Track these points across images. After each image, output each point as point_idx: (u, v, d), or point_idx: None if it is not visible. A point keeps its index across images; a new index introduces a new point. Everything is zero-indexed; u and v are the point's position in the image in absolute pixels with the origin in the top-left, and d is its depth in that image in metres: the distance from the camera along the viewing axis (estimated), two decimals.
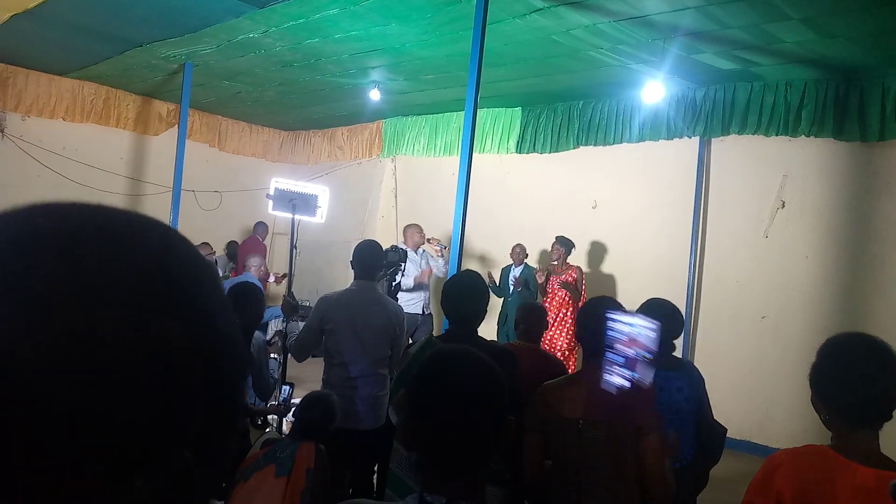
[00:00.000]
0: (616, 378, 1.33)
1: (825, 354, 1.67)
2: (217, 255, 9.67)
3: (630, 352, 1.32)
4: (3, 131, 9.20)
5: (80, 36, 7.30)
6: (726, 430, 3.24)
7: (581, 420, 2.26)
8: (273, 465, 2.93)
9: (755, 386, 6.45)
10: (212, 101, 10.12)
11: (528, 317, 3.43)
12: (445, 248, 6.82)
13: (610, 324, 1.34)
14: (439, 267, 7.13)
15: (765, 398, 6.32)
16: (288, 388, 3.94)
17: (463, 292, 2.70)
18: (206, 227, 10.38)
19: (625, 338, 1.32)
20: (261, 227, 9.79)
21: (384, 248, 4.52)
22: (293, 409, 3.86)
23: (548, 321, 3.57)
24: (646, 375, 1.36)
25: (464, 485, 1.16)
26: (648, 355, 1.31)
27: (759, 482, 1.67)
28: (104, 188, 9.93)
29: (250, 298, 3.48)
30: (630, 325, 1.31)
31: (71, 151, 9.65)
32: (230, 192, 11.19)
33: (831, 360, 1.65)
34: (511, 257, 7.57)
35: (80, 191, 9.57)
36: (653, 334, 1.31)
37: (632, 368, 1.31)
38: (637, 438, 2.20)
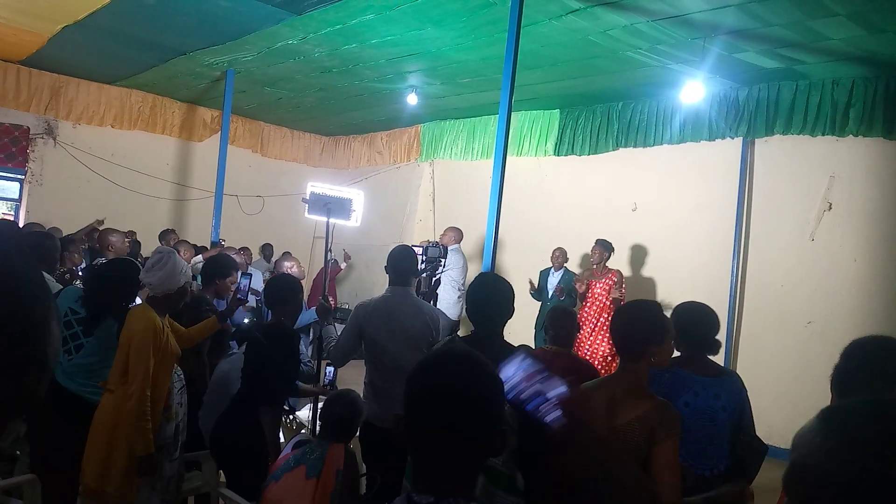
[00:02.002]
0: (544, 416, 1.34)
1: (847, 355, 1.61)
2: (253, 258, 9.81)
3: (532, 388, 1.34)
4: (55, 139, 9.53)
5: (127, 45, 7.53)
6: (767, 448, 3.09)
7: (597, 425, 2.21)
8: (303, 466, 2.95)
9: (801, 393, 6.24)
10: (254, 108, 10.32)
11: (556, 321, 3.39)
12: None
13: (506, 369, 1.37)
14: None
15: (811, 406, 6.00)
16: (332, 369, 4.01)
17: (485, 294, 2.67)
18: (249, 231, 10.58)
19: (522, 377, 1.36)
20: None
21: (424, 245, 4.58)
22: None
23: (579, 325, 3.50)
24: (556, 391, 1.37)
25: (453, 484, 1.14)
26: (556, 391, 1.34)
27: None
28: (151, 193, 10.22)
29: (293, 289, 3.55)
30: (511, 372, 1.33)
31: (119, 157, 9.95)
32: (272, 196, 11.39)
33: (853, 361, 1.59)
34: (551, 261, 7.50)
35: (128, 196, 9.86)
36: (525, 370, 1.35)
37: (543, 405, 1.34)
38: (650, 445, 2.14)
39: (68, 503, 3.37)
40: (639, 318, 2.30)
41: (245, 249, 8.78)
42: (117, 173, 9.92)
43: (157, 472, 3.10)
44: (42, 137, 9.45)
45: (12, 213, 9.48)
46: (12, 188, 9.50)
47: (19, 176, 9.41)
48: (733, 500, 2.70)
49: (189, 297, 3.87)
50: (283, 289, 3.52)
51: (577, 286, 7.08)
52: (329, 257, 4.66)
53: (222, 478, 3.90)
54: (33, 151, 9.40)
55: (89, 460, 3.02)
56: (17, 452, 3.80)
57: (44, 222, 7.95)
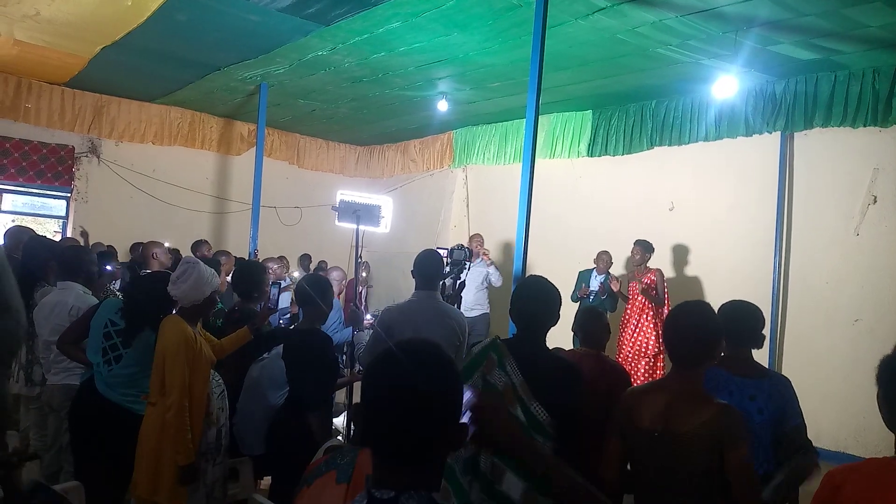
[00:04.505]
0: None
1: None
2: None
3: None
4: (99, 157, 9.83)
5: (163, 63, 7.73)
6: (818, 453, 2.95)
7: (657, 431, 2.18)
8: (334, 472, 2.95)
9: (850, 393, 6.04)
10: (289, 120, 10.48)
11: (585, 323, 3.35)
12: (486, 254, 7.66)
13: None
14: (496, 275, 7.64)
15: (861, 406, 5.90)
16: None
17: (528, 296, 2.62)
18: (288, 242, 10.73)
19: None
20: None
21: (451, 248, 4.58)
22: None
23: (608, 326, 3.45)
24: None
25: (412, 476, 1.11)
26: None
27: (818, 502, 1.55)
28: (192, 207, 10.45)
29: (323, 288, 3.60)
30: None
31: (160, 173, 10.21)
32: (310, 207, 11.53)
33: None
34: (596, 263, 7.43)
35: (170, 210, 10.10)
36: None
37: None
38: (719, 451, 2.09)
39: None
40: (699, 326, 2.26)
41: (282, 258, 8.91)
42: (159, 189, 10.18)
43: (199, 479, 3.15)
44: (86, 156, 9.76)
45: (60, 230, 9.81)
46: (59, 206, 9.83)
47: (66, 194, 9.73)
48: (803, 473, 2.63)
49: (238, 313, 3.93)
50: (315, 287, 3.56)
51: (611, 284, 7.08)
52: (360, 263, 4.69)
53: (262, 485, 3.95)
54: (78, 170, 9.71)
55: (139, 472, 3.09)
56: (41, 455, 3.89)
57: (90, 238, 8.22)
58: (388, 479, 1.11)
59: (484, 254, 7.70)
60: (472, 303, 7.61)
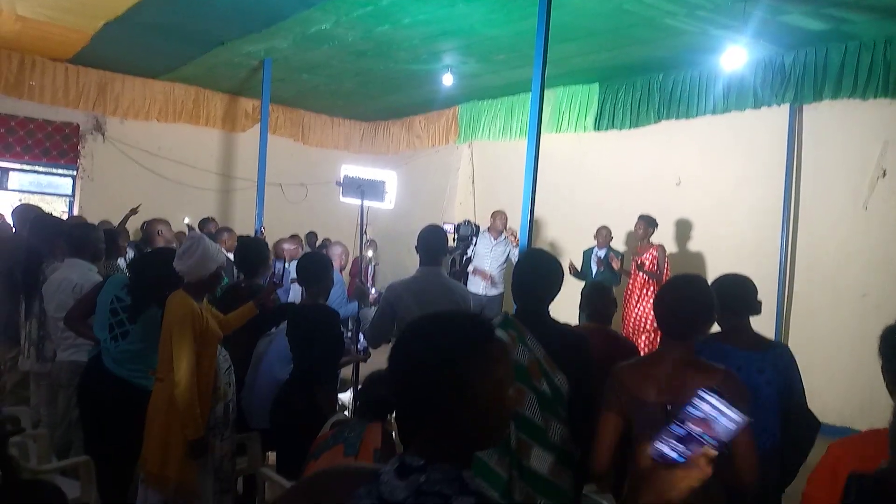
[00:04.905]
0: (665, 448, 1.20)
1: None
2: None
3: (696, 429, 1.19)
4: (104, 134, 9.81)
5: (166, 38, 7.68)
6: (819, 424, 2.98)
7: (668, 403, 2.15)
8: (341, 445, 2.98)
9: (856, 369, 6.03)
10: (293, 96, 10.42)
11: (591, 298, 3.34)
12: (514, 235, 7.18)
13: (696, 400, 1.21)
14: (516, 255, 7.32)
15: (867, 382, 5.89)
16: None
17: (530, 269, 2.61)
18: (294, 219, 10.71)
19: (702, 416, 1.19)
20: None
21: (457, 223, 4.58)
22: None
23: (614, 300, 3.44)
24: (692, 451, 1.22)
25: (439, 451, 1.11)
26: (713, 443, 1.18)
27: (821, 475, 1.54)
28: (197, 185, 10.44)
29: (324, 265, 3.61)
30: (716, 409, 1.19)
31: (166, 151, 10.19)
32: (315, 184, 11.49)
33: None
34: (595, 239, 7.41)
35: (175, 188, 10.10)
36: (732, 427, 1.18)
37: (685, 444, 1.19)
38: None
39: (121, 483, 3.51)
40: (689, 297, 2.23)
41: (295, 237, 8.88)
42: (164, 166, 10.17)
43: (208, 454, 3.18)
44: (91, 134, 9.74)
45: (67, 208, 9.83)
46: (66, 184, 9.83)
47: (72, 172, 9.73)
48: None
49: (248, 291, 3.94)
50: (315, 266, 3.55)
51: (611, 262, 7.09)
52: (365, 240, 4.68)
53: (270, 460, 3.99)
54: (84, 148, 9.69)
55: (148, 448, 3.12)
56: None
57: (96, 216, 8.23)
58: (419, 448, 1.12)
59: (513, 235, 7.53)
60: (497, 280, 7.63)
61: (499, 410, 1.15)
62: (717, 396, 1.18)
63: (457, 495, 1.06)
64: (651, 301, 6.75)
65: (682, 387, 2.13)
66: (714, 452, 1.17)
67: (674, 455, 1.17)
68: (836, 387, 6.07)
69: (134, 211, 7.36)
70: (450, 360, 1.11)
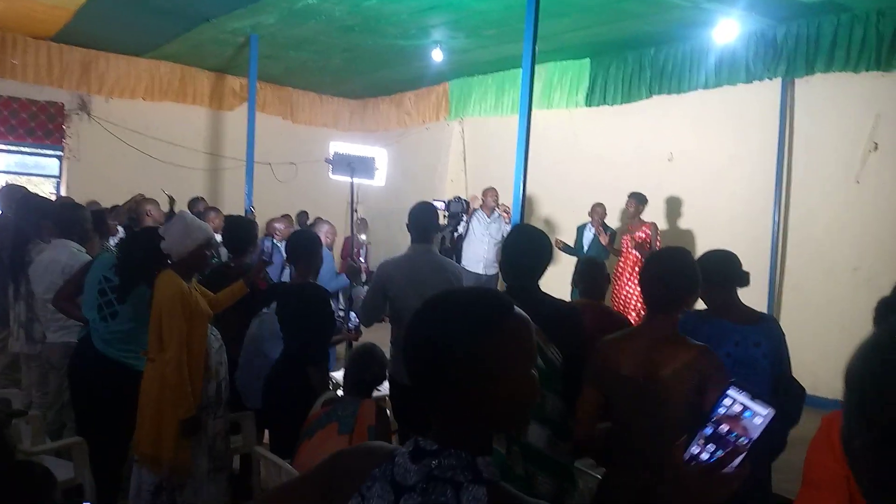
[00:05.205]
0: (697, 449, 1.17)
1: None
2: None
3: (726, 428, 1.16)
4: (89, 114, 9.67)
5: (150, 14, 7.54)
6: (804, 389, 3.02)
7: (642, 377, 2.17)
8: (336, 423, 2.98)
9: (848, 342, 5.97)
10: (281, 73, 10.28)
11: (584, 274, 3.33)
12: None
13: (725, 399, 1.17)
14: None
15: None
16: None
17: (517, 245, 2.62)
18: (284, 198, 10.62)
19: (730, 414, 1.16)
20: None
21: (448, 200, 4.55)
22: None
23: (608, 275, 3.44)
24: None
25: (457, 434, 1.06)
26: (744, 441, 1.14)
27: (819, 441, 1.56)
28: (185, 164, 10.32)
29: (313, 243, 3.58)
30: (743, 405, 1.16)
31: (153, 130, 10.05)
32: (305, 163, 11.40)
33: None
34: (591, 216, 7.39)
35: (163, 168, 9.98)
36: (760, 421, 1.15)
37: (717, 444, 1.16)
38: (700, 392, 2.09)
39: (115, 464, 3.50)
40: (672, 270, 2.23)
41: (286, 217, 8.82)
42: (151, 146, 10.03)
43: (201, 432, 3.17)
44: (77, 113, 9.59)
45: (54, 189, 9.71)
46: (52, 165, 9.71)
47: (58, 153, 9.60)
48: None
49: (236, 270, 3.92)
50: (304, 243, 3.53)
51: (599, 238, 7.12)
52: (356, 218, 4.65)
53: (266, 439, 3.99)
54: (69, 127, 9.56)
55: (141, 429, 3.11)
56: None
57: (83, 197, 8.14)
58: (435, 433, 1.08)
59: (505, 212, 7.50)
60: (492, 260, 7.56)
61: (518, 391, 1.07)
62: (744, 393, 1.16)
63: (468, 483, 1.02)
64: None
65: (656, 360, 2.14)
66: (744, 450, 1.14)
67: (706, 456, 1.15)
68: (827, 360, 6.07)
69: (172, 199, 7.33)
70: (462, 337, 1.04)
